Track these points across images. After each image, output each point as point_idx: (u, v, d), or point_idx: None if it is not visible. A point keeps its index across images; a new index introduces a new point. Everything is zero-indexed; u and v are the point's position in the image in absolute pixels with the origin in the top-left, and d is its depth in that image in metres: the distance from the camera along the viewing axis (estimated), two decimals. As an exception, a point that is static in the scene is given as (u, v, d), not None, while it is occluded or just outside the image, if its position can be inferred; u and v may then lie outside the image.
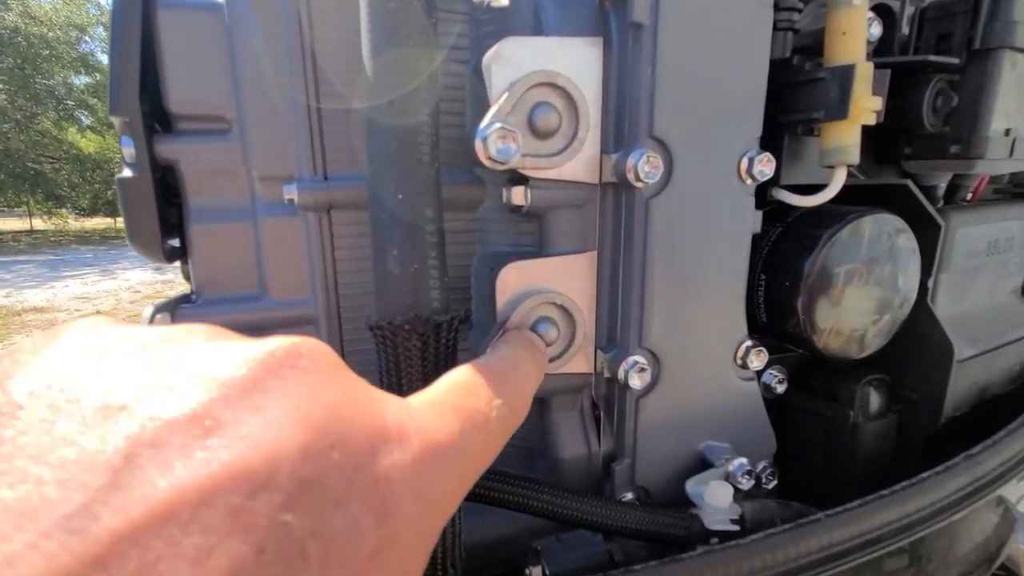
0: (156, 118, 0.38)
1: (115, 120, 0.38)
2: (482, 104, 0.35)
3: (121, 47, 0.36)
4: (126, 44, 0.36)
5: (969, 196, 0.50)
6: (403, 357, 0.30)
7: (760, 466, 0.43)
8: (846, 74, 0.34)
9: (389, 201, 0.29)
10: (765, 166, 0.36)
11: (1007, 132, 0.40)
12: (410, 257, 0.29)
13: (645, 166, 0.33)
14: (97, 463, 0.12)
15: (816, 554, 0.35)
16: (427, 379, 0.27)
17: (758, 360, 0.40)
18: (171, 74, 0.37)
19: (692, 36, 0.33)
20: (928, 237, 0.42)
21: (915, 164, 0.43)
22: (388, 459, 0.16)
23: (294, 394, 0.15)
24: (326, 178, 0.38)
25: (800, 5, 0.38)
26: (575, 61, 0.35)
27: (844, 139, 0.36)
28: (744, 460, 0.40)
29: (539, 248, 0.39)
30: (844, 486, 0.45)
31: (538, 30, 0.36)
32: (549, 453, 0.42)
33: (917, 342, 0.43)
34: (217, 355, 0.15)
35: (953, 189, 0.48)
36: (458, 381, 0.23)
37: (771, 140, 0.37)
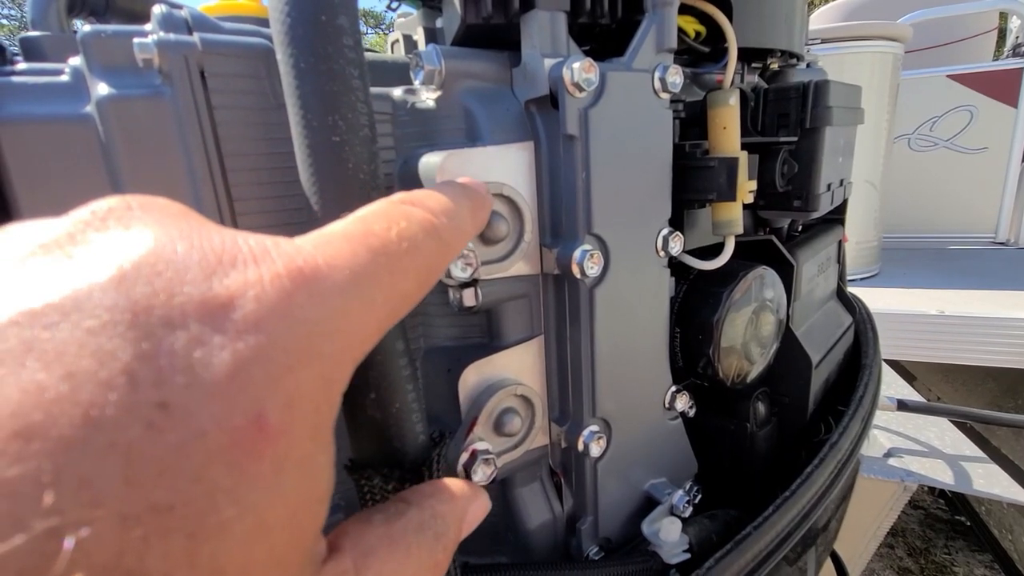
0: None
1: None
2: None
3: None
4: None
5: (800, 228, 0.62)
6: (400, 502, 0.29)
7: (687, 486, 0.50)
8: (732, 165, 0.40)
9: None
10: (676, 241, 0.41)
11: (828, 187, 0.51)
12: (390, 398, 0.28)
13: (589, 263, 0.36)
14: None
15: (754, 560, 0.42)
16: None
17: (682, 402, 0.46)
18: (26, 205, 0.30)
19: (616, 141, 0.37)
20: (785, 274, 0.51)
21: (768, 213, 0.53)
22: (236, 278, 0.14)
23: (115, 238, 0.14)
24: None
25: (682, 96, 0.44)
26: (511, 166, 0.36)
27: (732, 215, 0.42)
28: (681, 492, 0.46)
29: (488, 340, 0.40)
30: (749, 482, 0.54)
31: (469, 134, 0.36)
32: (516, 527, 0.43)
33: (785, 358, 0.53)
34: (50, 222, 0.15)
35: (791, 224, 0.60)
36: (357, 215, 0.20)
37: (674, 214, 0.43)
